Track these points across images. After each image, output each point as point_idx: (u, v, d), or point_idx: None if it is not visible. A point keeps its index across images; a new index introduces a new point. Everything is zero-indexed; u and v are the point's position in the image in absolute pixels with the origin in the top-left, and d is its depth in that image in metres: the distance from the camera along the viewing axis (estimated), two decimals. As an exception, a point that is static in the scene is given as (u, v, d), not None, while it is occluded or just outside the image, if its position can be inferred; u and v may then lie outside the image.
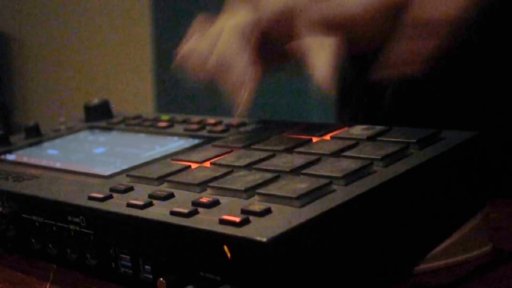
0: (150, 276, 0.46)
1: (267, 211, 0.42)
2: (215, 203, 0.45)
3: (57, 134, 0.75)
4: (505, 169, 0.74)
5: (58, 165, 0.62)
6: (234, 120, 0.67)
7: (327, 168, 0.48)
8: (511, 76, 0.76)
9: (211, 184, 0.48)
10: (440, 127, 0.55)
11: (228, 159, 0.54)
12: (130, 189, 0.51)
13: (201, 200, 0.45)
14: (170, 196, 0.48)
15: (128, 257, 0.48)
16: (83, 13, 2.78)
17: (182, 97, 2.41)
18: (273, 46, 0.61)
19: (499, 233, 0.56)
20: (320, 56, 0.56)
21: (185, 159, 0.56)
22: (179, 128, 0.69)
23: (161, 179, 0.52)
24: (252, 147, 0.57)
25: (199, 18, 0.67)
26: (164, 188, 0.50)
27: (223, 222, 0.42)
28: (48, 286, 0.51)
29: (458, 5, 0.54)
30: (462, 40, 0.59)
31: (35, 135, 0.74)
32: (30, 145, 0.71)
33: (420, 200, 0.49)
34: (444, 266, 0.51)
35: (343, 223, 0.43)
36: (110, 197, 0.50)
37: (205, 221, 0.43)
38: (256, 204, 0.44)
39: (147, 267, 0.47)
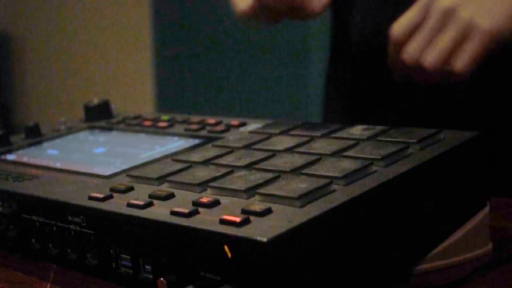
0: (150, 276, 0.46)
1: (268, 211, 0.42)
2: (215, 203, 0.45)
3: (57, 134, 0.75)
4: (505, 169, 0.75)
5: (58, 165, 0.62)
6: (235, 120, 0.67)
7: (327, 168, 0.48)
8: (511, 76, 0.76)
9: (211, 184, 0.48)
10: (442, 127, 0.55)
11: (228, 159, 0.54)
12: (130, 189, 0.51)
13: (202, 200, 0.45)
14: (171, 196, 0.48)
15: (128, 257, 0.48)
16: (83, 14, 2.78)
17: (182, 97, 2.41)
18: None
19: (499, 233, 0.57)
20: None
21: (185, 159, 0.56)
22: (179, 128, 0.69)
23: (161, 179, 0.52)
24: (253, 147, 0.57)
25: None
26: (165, 188, 0.50)
27: (223, 222, 0.42)
28: (48, 286, 0.51)
29: None
30: None
31: (35, 135, 0.74)
32: (30, 145, 0.71)
33: (420, 200, 0.49)
34: (444, 266, 0.51)
35: (343, 223, 0.43)
36: (110, 197, 0.50)
37: (206, 221, 0.43)
38: (257, 204, 0.44)
39: (147, 267, 0.47)
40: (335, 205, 0.43)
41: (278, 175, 0.49)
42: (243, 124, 0.66)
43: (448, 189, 0.51)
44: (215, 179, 0.49)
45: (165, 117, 0.73)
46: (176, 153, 0.60)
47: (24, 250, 0.56)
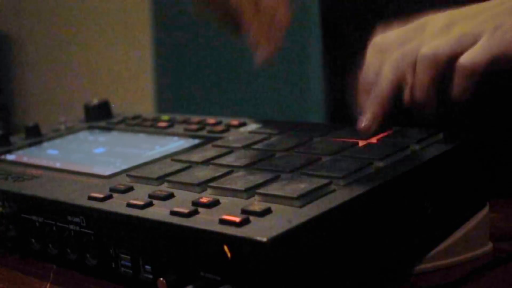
0: (150, 276, 0.46)
1: (267, 211, 0.42)
2: (215, 203, 0.45)
3: (57, 134, 0.75)
4: (505, 169, 0.75)
5: (58, 165, 0.62)
6: (235, 120, 0.67)
7: (327, 168, 0.48)
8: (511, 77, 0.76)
9: (211, 184, 0.48)
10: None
11: (228, 159, 0.54)
12: (130, 189, 0.51)
13: (201, 200, 0.45)
14: (170, 196, 0.48)
15: (128, 257, 0.48)
16: (83, 13, 2.78)
17: (182, 97, 2.41)
18: None
19: (499, 233, 0.56)
20: None
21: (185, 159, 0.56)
22: (179, 128, 0.69)
23: (161, 179, 0.52)
24: (253, 147, 0.57)
25: None
26: (164, 188, 0.50)
27: (223, 222, 0.42)
28: (48, 286, 0.51)
29: None
30: None
31: (35, 135, 0.74)
32: (30, 145, 0.71)
33: (420, 200, 0.49)
34: (444, 266, 0.51)
35: (343, 223, 0.43)
36: (110, 197, 0.50)
37: (205, 221, 0.43)
38: (256, 204, 0.44)
39: (147, 267, 0.47)
40: (335, 205, 0.43)
41: (278, 175, 0.49)
42: (243, 124, 0.66)
43: (448, 189, 0.51)
44: (215, 179, 0.49)
45: (165, 117, 0.73)
46: (176, 153, 0.60)
47: (24, 250, 0.56)
